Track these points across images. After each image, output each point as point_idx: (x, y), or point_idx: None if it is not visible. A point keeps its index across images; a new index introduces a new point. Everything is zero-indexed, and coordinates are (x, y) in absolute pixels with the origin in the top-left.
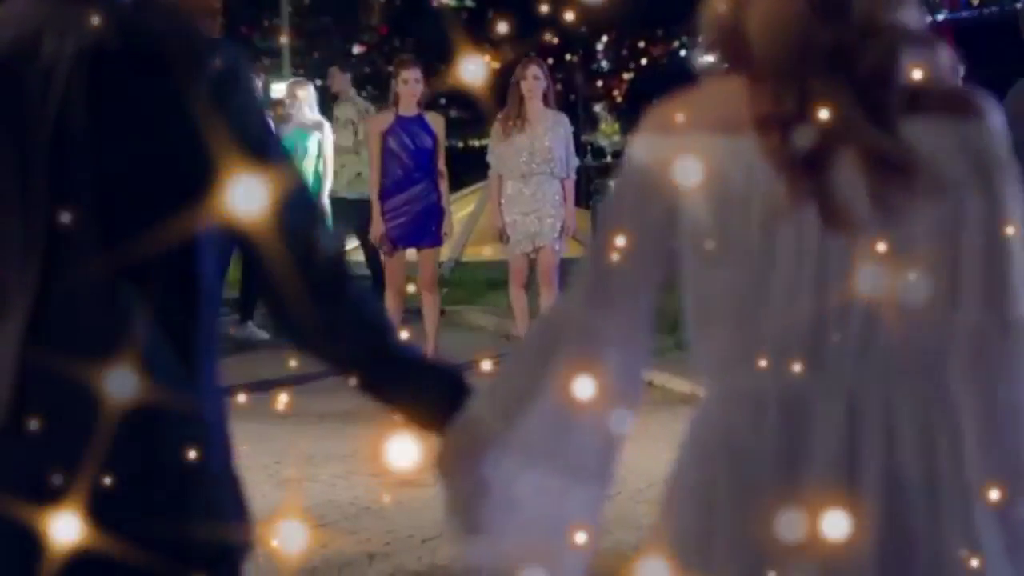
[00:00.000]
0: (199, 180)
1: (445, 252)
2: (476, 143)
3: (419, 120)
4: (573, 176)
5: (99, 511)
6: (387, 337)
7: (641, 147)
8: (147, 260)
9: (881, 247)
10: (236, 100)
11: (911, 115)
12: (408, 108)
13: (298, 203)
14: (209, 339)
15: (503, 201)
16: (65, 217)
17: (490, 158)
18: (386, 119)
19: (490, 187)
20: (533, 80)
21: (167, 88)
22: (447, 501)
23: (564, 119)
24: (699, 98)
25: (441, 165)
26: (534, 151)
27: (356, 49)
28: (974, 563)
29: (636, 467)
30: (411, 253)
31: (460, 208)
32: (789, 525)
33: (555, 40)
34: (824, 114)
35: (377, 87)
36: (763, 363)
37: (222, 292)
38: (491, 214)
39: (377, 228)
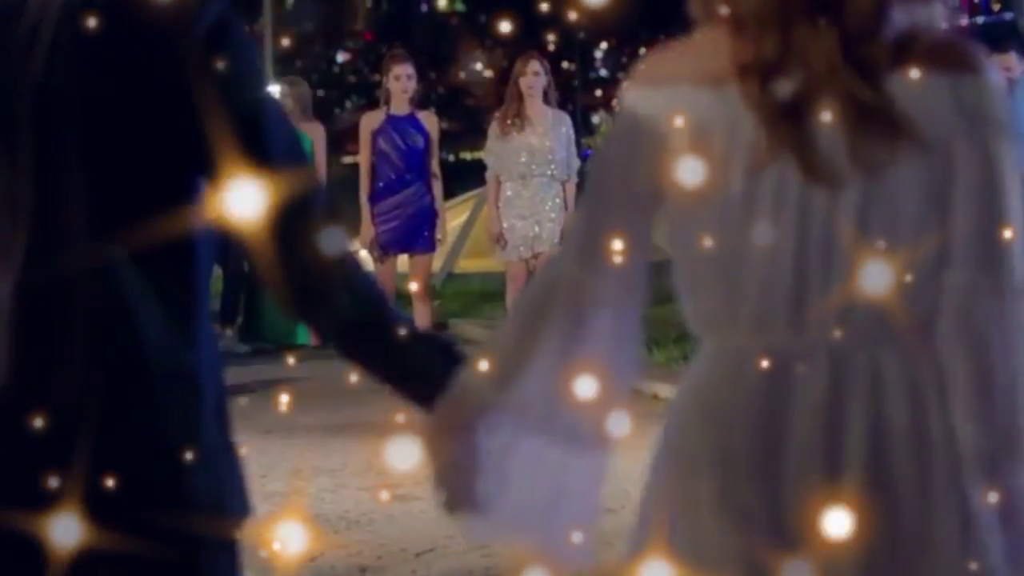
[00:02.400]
0: (190, 138)
1: (437, 263)
2: (468, 156)
3: (411, 119)
4: (575, 179)
5: (92, 491)
6: (380, 307)
7: (630, 101)
8: (138, 221)
9: (864, 202)
10: (228, 55)
11: (900, 68)
12: (400, 106)
13: (293, 164)
14: (204, 305)
15: (500, 204)
16: (53, 176)
17: (487, 159)
18: (376, 118)
19: (487, 189)
20: (533, 77)
21: (156, 43)
22: (435, 474)
23: (566, 118)
24: (686, 50)
25: (434, 166)
26: (534, 151)
27: (341, 57)
28: (964, 533)
29: (639, 480)
30: (402, 261)
31: (453, 217)
32: (769, 489)
33: (551, 47)
34: (805, 63)
35: (363, 95)
36: (745, 321)
37: (212, 258)
38: (486, 222)
39: (367, 233)
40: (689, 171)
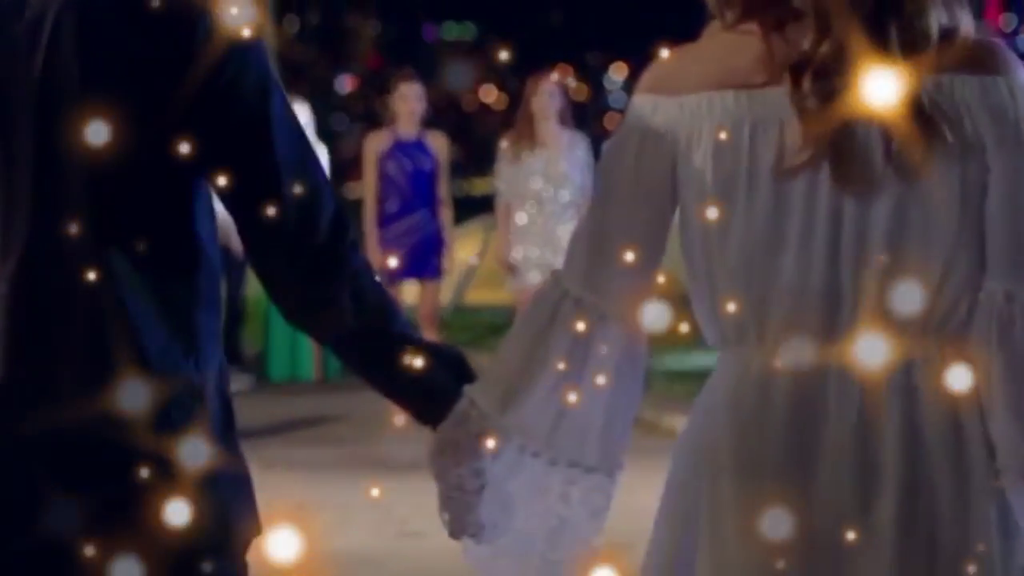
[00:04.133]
0: (194, 137)
1: (445, 295)
2: (479, 191)
3: (419, 142)
4: None
5: (86, 495)
6: (386, 314)
7: (640, 109)
8: (139, 221)
9: (897, 209)
10: (233, 52)
11: (935, 69)
12: (407, 128)
13: (300, 166)
14: (209, 310)
15: (513, 232)
16: (52, 174)
17: (498, 184)
18: (383, 140)
19: (498, 216)
20: (547, 97)
21: (159, 40)
22: (440, 498)
23: (582, 140)
24: (698, 54)
25: (443, 191)
26: (548, 175)
27: (345, 84)
28: (1003, 541)
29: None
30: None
31: (459, 247)
32: (800, 498)
33: (562, 73)
34: (858, 62)
35: (369, 122)
36: (773, 333)
37: (219, 263)
38: (496, 249)
39: (373, 259)
40: (711, 181)
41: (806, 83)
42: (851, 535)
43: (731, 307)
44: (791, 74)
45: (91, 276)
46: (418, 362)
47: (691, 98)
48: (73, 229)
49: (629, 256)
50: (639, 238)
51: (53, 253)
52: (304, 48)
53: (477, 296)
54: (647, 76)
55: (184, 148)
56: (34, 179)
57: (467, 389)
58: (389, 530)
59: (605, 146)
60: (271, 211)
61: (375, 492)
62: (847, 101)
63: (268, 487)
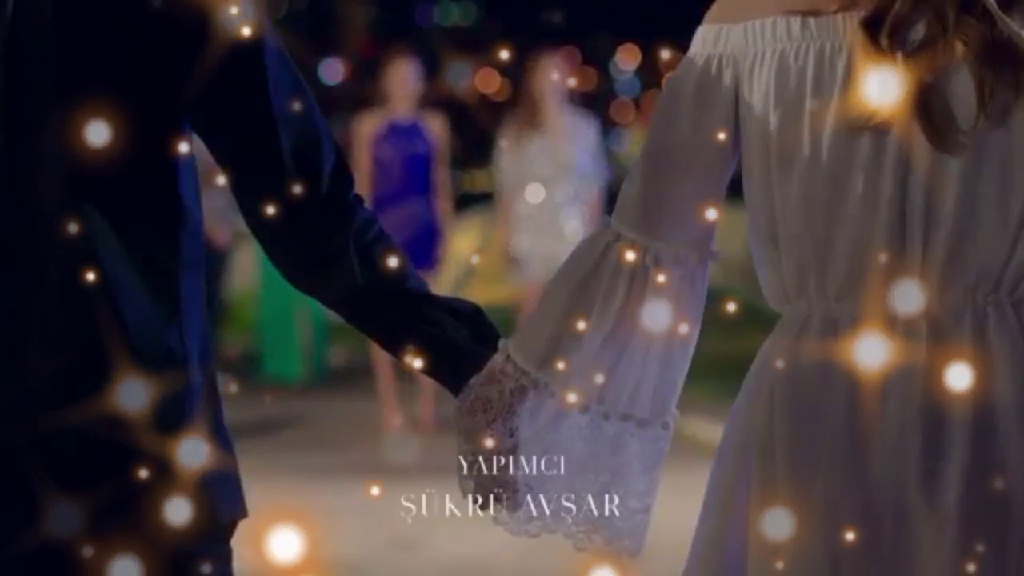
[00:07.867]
0: (178, 91)
1: (442, 291)
2: (480, 187)
3: (414, 125)
4: (601, 186)
5: (66, 480)
6: (399, 272)
7: (704, 38)
8: (120, 182)
9: (974, 156)
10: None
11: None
12: (402, 109)
13: (295, 116)
14: (192, 273)
15: (516, 221)
16: (24, 134)
17: (499, 174)
18: (376, 122)
19: (500, 205)
20: (551, 79)
21: None
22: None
23: (588, 120)
24: None
25: (440, 177)
26: (552, 160)
27: (336, 69)
28: None
29: (671, 522)
30: None
31: (457, 242)
32: (860, 475)
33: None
34: (939, 9)
35: (362, 111)
36: (835, 283)
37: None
38: (497, 240)
39: None
40: (774, 107)
41: (883, 40)
42: (912, 500)
43: (792, 253)
44: (864, 28)
45: (67, 241)
46: (434, 319)
47: (756, 22)
48: (48, 191)
49: (686, 197)
50: (699, 174)
51: (26, 216)
52: (292, 33)
53: (476, 295)
54: (714, 7)
55: (167, 101)
56: (5, 141)
57: (503, 342)
58: (378, 538)
59: (666, 79)
60: (267, 163)
61: (375, 491)
62: (930, 50)
63: (253, 493)
